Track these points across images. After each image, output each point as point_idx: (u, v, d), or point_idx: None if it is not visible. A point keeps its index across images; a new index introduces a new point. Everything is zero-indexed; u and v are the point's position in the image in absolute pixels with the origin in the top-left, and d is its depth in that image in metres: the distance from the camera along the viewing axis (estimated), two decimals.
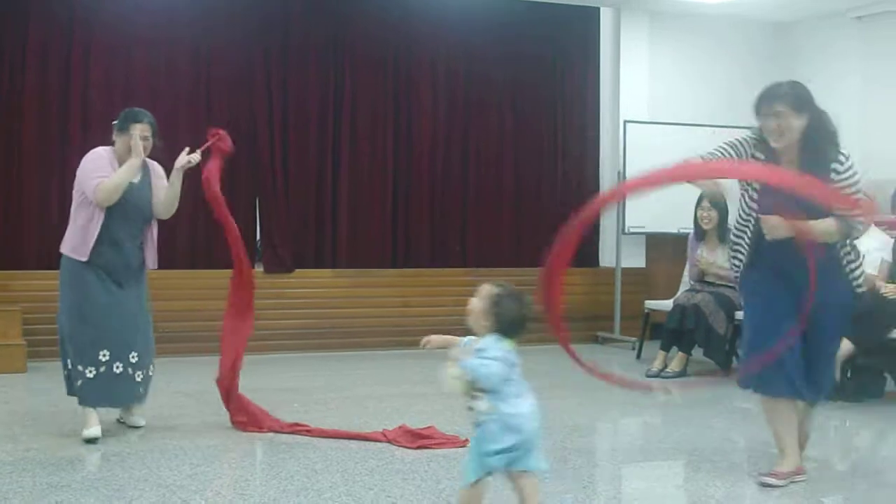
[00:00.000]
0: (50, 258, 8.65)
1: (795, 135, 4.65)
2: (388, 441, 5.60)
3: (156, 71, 9.06)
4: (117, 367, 5.72)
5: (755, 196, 4.81)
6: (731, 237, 5.05)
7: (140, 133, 5.80)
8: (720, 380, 4.76)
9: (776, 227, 4.66)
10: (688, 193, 8.60)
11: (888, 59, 9.81)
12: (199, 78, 9.20)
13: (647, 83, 10.55)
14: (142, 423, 5.99)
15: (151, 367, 5.97)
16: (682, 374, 8.21)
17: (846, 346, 6.50)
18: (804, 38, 10.44)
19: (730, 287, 8.13)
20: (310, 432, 5.84)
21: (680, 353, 8.30)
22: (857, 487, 5.04)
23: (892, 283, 7.06)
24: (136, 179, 5.84)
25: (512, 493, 3.90)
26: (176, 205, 6.02)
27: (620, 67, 10.49)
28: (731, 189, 5.05)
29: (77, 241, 5.76)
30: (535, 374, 8.31)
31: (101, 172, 5.73)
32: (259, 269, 9.32)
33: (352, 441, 5.64)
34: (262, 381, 7.55)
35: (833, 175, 4.62)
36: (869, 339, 6.73)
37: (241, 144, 9.22)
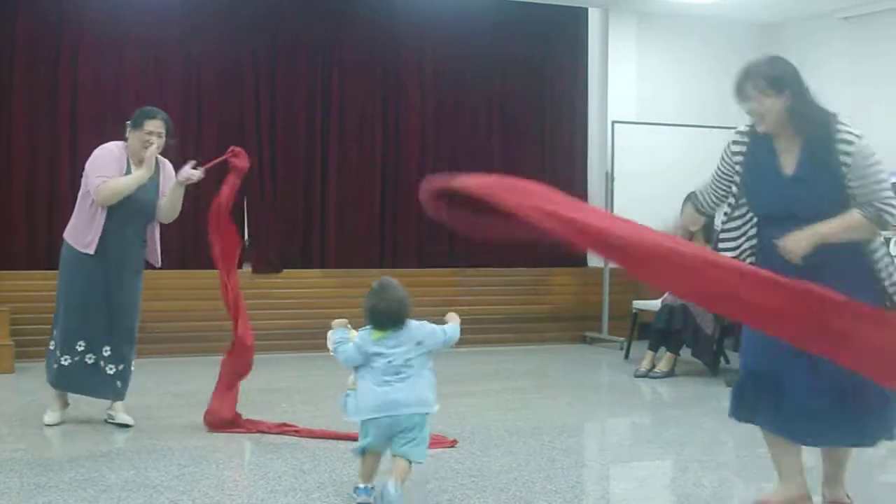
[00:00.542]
0: (38, 258, 8.67)
1: (776, 117, 3.99)
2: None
3: (144, 70, 9.03)
4: (89, 358, 5.86)
5: (741, 198, 4.18)
6: (718, 244, 4.35)
7: (154, 129, 5.87)
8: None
9: (798, 243, 3.88)
10: (675, 193, 8.64)
11: (875, 59, 9.85)
12: (188, 78, 9.18)
13: (635, 84, 10.57)
14: (130, 422, 5.98)
15: (132, 362, 6.03)
16: (670, 374, 8.23)
17: None
18: (791, 38, 10.46)
19: None
20: (298, 433, 5.84)
21: (668, 354, 8.31)
22: None
23: None
24: (146, 180, 5.91)
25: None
26: (176, 213, 6.11)
27: (608, 68, 10.50)
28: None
29: (81, 233, 5.84)
30: (522, 374, 8.38)
31: (106, 172, 5.79)
32: (247, 269, 9.32)
33: (340, 441, 5.64)
34: (249, 381, 7.51)
35: (843, 158, 3.87)
36: None
37: (230, 142, 9.21)
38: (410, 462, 4.41)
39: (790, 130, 4.01)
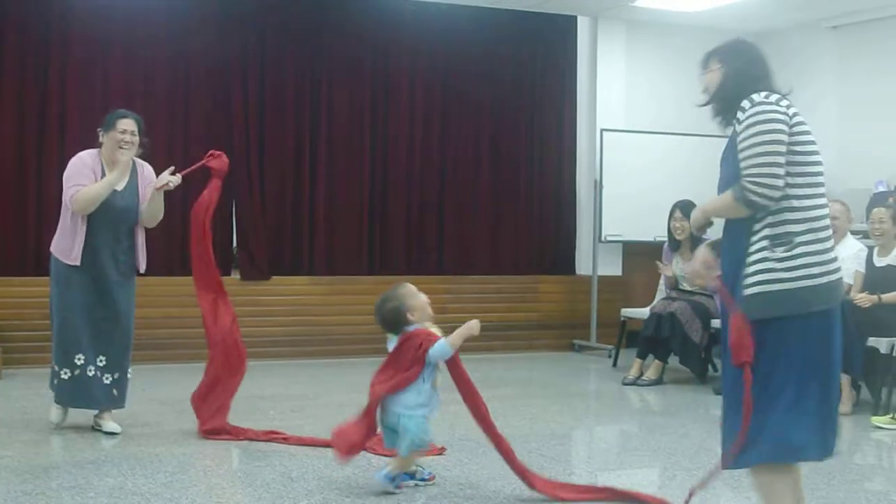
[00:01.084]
0: (25, 264, 8.65)
1: (712, 89, 3.82)
2: (365, 449, 5.58)
3: (132, 70, 8.99)
4: (90, 371, 5.85)
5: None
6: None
7: (127, 128, 5.85)
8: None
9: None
10: (664, 201, 8.67)
11: (863, 67, 9.89)
12: (176, 81, 9.15)
13: (623, 92, 10.59)
14: (117, 429, 5.97)
15: (128, 371, 6.03)
16: (659, 381, 8.24)
17: None
18: (780, 47, 10.48)
19: (706, 295, 8.18)
20: (286, 440, 5.84)
21: (656, 361, 8.32)
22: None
23: (866, 293, 7.09)
24: (121, 186, 5.88)
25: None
26: (159, 218, 6.11)
27: (597, 76, 10.52)
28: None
29: (65, 245, 5.83)
30: (511, 381, 8.38)
31: (80, 180, 5.78)
32: (235, 276, 9.31)
33: (328, 449, 5.63)
34: (238, 388, 7.52)
35: (737, 128, 3.66)
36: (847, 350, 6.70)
37: (218, 149, 9.21)
38: (401, 455, 4.81)
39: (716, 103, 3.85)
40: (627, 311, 9.38)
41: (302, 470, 5.20)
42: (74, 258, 5.78)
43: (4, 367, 8.07)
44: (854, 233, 7.86)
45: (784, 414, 3.55)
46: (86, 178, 5.78)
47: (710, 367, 8.45)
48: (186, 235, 8.81)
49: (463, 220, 10.14)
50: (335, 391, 7.82)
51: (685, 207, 7.94)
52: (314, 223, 9.60)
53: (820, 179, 3.65)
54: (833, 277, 3.60)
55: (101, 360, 5.87)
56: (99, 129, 5.96)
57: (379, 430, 4.91)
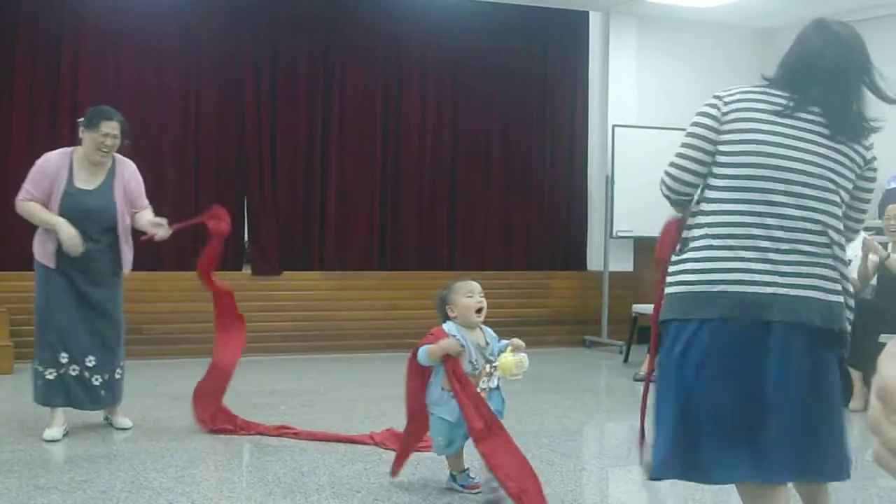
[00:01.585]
0: None
1: None
2: (376, 444, 5.60)
3: (144, 66, 9.01)
4: (73, 370, 5.72)
5: None
6: None
7: (110, 131, 5.66)
8: None
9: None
10: None
11: (874, 62, 9.83)
12: (188, 73, 9.16)
13: (635, 87, 10.58)
14: (129, 424, 5.97)
15: (118, 370, 5.88)
16: None
17: None
18: (790, 43, 10.48)
19: None
20: (297, 435, 5.84)
21: None
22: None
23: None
24: (92, 186, 5.71)
25: None
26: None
27: (609, 71, 10.51)
28: None
29: (42, 246, 5.72)
30: (522, 377, 8.36)
31: (34, 189, 5.65)
32: (246, 270, 9.33)
33: (339, 444, 5.64)
34: (248, 383, 7.54)
35: None
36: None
37: (229, 144, 9.27)
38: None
39: None
40: (639, 307, 9.36)
41: (313, 465, 5.21)
42: (50, 259, 5.67)
43: (17, 362, 8.09)
44: (867, 230, 7.83)
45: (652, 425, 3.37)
46: (40, 188, 5.63)
47: None
48: (197, 230, 8.90)
49: (474, 216, 10.14)
50: (346, 386, 7.83)
51: None
52: (325, 218, 9.61)
53: (751, 184, 3.22)
54: (716, 289, 3.17)
55: (90, 361, 5.73)
56: (80, 122, 5.78)
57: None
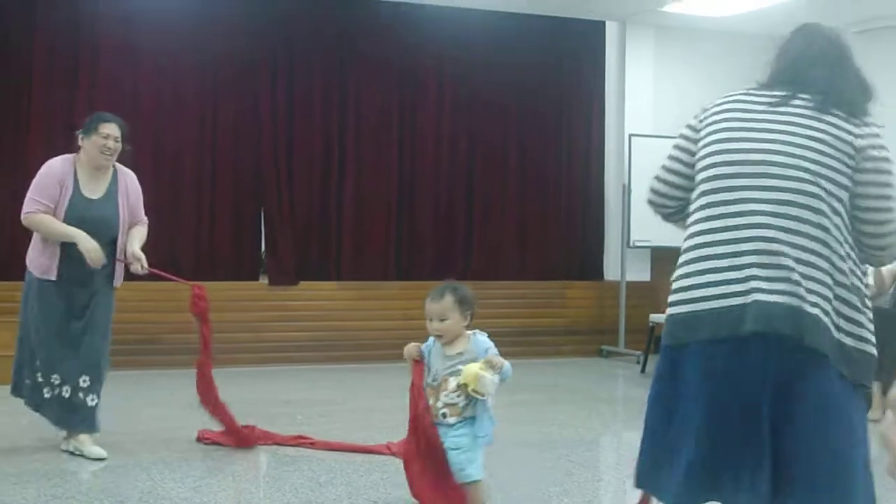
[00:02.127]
0: None
1: None
2: (393, 454, 5.59)
3: (162, 80, 9.05)
4: (66, 391, 5.49)
5: None
6: None
7: (110, 133, 5.51)
8: None
9: None
10: None
11: (889, 73, 9.79)
12: (204, 86, 9.19)
13: (652, 97, 10.57)
14: (103, 454, 5.52)
15: (92, 396, 5.56)
16: None
17: None
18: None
19: None
20: (313, 445, 5.83)
21: None
22: None
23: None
24: (97, 195, 5.54)
25: None
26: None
27: (626, 81, 10.51)
28: None
29: (40, 259, 5.49)
30: (539, 387, 8.36)
31: (42, 197, 5.44)
32: (263, 281, 9.35)
33: (356, 454, 5.64)
34: (264, 392, 7.55)
35: None
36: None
37: (246, 155, 9.30)
38: None
39: None
40: (656, 317, 9.33)
41: (330, 475, 5.21)
42: (50, 272, 5.44)
43: None
44: None
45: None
46: (49, 196, 5.42)
47: None
48: (214, 241, 8.95)
49: (490, 226, 10.13)
50: (362, 396, 7.83)
51: None
52: (342, 229, 9.62)
53: (722, 197, 3.03)
54: (686, 309, 3.01)
55: (84, 381, 5.48)
56: (78, 132, 5.63)
57: None
